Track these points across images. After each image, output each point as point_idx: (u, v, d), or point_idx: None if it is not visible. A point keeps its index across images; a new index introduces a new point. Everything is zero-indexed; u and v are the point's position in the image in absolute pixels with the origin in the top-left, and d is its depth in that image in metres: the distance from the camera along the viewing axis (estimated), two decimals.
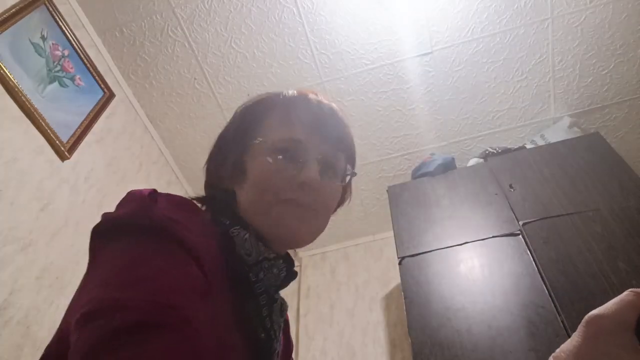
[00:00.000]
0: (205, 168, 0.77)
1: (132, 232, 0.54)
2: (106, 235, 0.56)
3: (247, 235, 0.65)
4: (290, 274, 0.70)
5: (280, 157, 0.67)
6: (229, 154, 0.72)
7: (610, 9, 2.17)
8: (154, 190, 0.60)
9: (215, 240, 0.61)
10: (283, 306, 0.70)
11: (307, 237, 0.69)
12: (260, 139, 0.68)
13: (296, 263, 3.00)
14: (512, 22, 2.22)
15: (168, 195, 0.61)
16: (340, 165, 0.73)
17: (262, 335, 0.63)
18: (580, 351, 0.42)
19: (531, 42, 2.27)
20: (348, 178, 0.75)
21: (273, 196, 0.66)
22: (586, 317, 0.43)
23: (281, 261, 0.68)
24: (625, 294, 0.43)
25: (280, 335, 0.70)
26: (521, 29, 2.24)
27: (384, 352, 2.42)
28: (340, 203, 0.79)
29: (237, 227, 0.65)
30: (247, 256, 0.64)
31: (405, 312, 1.57)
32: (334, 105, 0.78)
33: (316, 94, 0.77)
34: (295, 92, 0.76)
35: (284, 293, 0.71)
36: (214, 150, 0.77)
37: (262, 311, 0.64)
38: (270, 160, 0.67)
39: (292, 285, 2.67)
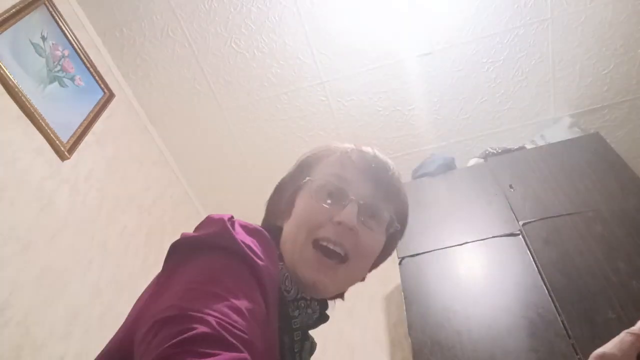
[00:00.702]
0: (265, 207, 0.81)
1: (212, 251, 0.58)
2: (185, 251, 0.60)
3: (287, 273, 0.68)
4: (322, 317, 0.73)
5: (324, 196, 0.69)
6: (285, 192, 0.76)
7: (610, 9, 2.16)
8: (232, 216, 0.64)
9: (278, 271, 0.65)
10: (313, 345, 0.73)
11: (331, 287, 0.70)
12: (309, 178, 0.71)
13: None
14: (512, 22, 2.22)
15: (244, 222, 0.65)
16: (384, 216, 0.72)
17: None
18: None
19: (531, 42, 2.27)
20: (392, 231, 0.73)
21: (307, 234, 0.68)
22: (594, 355, 0.48)
23: (316, 303, 0.70)
24: (623, 335, 0.48)
25: None
26: (521, 29, 2.24)
27: (383, 352, 2.42)
28: (378, 261, 0.79)
29: (281, 264, 0.68)
30: (286, 292, 0.66)
31: (405, 312, 1.57)
32: (389, 160, 0.79)
33: (373, 148, 0.78)
34: (354, 145, 0.78)
35: None
36: (274, 191, 0.80)
37: (295, 346, 0.67)
38: (313, 198, 0.69)
39: None
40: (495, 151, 2.28)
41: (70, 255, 1.75)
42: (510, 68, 2.35)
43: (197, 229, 0.64)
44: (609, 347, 0.47)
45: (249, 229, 0.64)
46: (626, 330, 0.48)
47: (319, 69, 2.36)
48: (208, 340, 0.47)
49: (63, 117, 1.90)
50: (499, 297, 1.49)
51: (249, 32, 2.26)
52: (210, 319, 0.49)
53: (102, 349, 0.64)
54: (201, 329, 0.47)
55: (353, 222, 0.66)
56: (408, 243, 1.82)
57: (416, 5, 2.18)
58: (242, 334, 0.50)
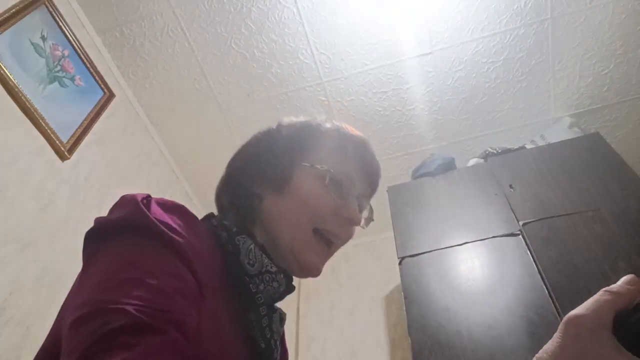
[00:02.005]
0: (237, 163, 0.77)
1: (125, 235, 0.55)
2: (99, 238, 0.57)
3: (252, 246, 0.66)
4: (288, 288, 0.71)
5: (333, 187, 0.70)
6: (277, 159, 0.72)
7: (610, 9, 2.17)
8: (148, 195, 0.60)
9: (208, 245, 0.61)
10: (282, 316, 0.71)
11: (320, 271, 0.72)
12: (323, 166, 0.70)
13: None
14: (512, 22, 2.22)
15: (160, 199, 0.61)
16: (367, 209, 0.78)
17: (263, 345, 0.64)
18: (562, 351, 0.43)
19: (531, 42, 2.27)
20: (368, 223, 0.78)
21: (310, 220, 0.68)
22: (565, 317, 0.44)
23: (282, 275, 0.68)
24: (601, 294, 0.45)
25: (279, 343, 0.71)
26: (521, 29, 2.24)
27: (384, 352, 2.42)
28: None
29: (244, 236, 0.66)
30: (249, 266, 0.65)
31: (405, 312, 1.57)
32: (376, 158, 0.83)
33: (368, 141, 0.82)
34: (351, 131, 0.80)
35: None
36: (260, 150, 0.75)
37: (263, 321, 0.65)
38: (323, 187, 0.69)
39: None
40: (495, 151, 2.28)
41: (70, 255, 1.75)
42: (510, 68, 2.35)
43: (110, 211, 0.60)
44: (582, 307, 0.44)
45: (166, 206, 0.60)
46: (604, 288, 0.45)
47: (319, 69, 2.36)
48: (128, 331, 0.45)
49: (63, 117, 1.90)
50: (499, 297, 1.49)
51: (249, 32, 2.26)
52: (128, 307, 0.47)
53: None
54: (119, 320, 0.46)
55: (360, 221, 0.71)
56: (408, 243, 1.82)
57: (416, 6, 2.18)
58: (167, 314, 0.48)
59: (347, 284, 2.81)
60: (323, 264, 0.72)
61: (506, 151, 2.26)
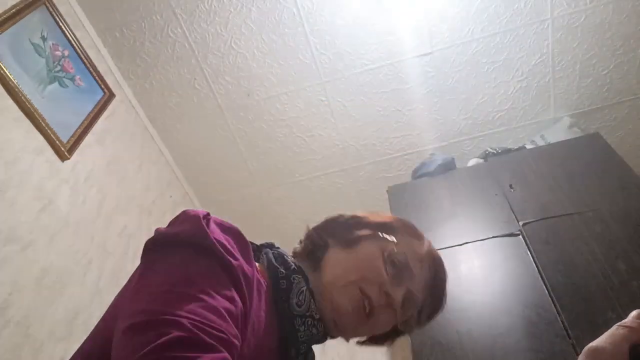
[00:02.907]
0: (325, 224, 0.80)
1: (185, 250, 0.57)
2: (159, 248, 0.59)
3: (304, 288, 0.68)
4: (323, 338, 0.74)
5: (390, 263, 0.71)
6: (358, 226, 0.77)
7: (610, 9, 2.17)
8: (208, 213, 0.63)
9: (256, 272, 0.64)
10: (314, 357, 0.75)
11: (348, 332, 0.75)
12: (392, 238, 0.73)
13: None
14: (512, 22, 2.22)
15: (219, 220, 0.64)
16: (412, 317, 0.77)
17: None
18: None
19: (531, 42, 2.27)
20: (404, 326, 0.78)
21: (358, 278, 0.69)
22: (586, 349, 0.49)
23: (322, 325, 0.70)
24: (615, 328, 0.49)
25: None
26: (521, 29, 2.24)
27: (384, 353, 2.42)
28: (374, 340, 0.84)
29: (299, 276, 0.68)
30: (297, 306, 0.67)
31: None
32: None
33: (445, 272, 0.83)
34: (435, 254, 0.81)
35: None
36: (346, 217, 0.80)
37: (299, 358, 0.68)
38: (382, 257, 0.71)
39: None
40: (495, 151, 2.28)
41: (70, 255, 1.75)
42: (510, 68, 2.35)
43: (172, 224, 0.63)
44: (600, 341, 0.48)
45: (224, 227, 0.63)
46: (618, 324, 0.49)
47: (319, 69, 2.36)
48: (183, 344, 0.46)
49: (63, 117, 1.90)
50: (499, 297, 1.49)
51: (249, 32, 2.26)
52: (183, 321, 0.48)
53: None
54: (175, 333, 0.46)
55: (397, 305, 0.71)
56: None
57: (416, 6, 2.18)
58: (219, 334, 0.49)
59: None
60: (356, 327, 0.73)
61: (506, 151, 2.26)
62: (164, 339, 0.46)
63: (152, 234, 0.61)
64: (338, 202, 2.80)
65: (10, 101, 1.68)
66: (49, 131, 1.79)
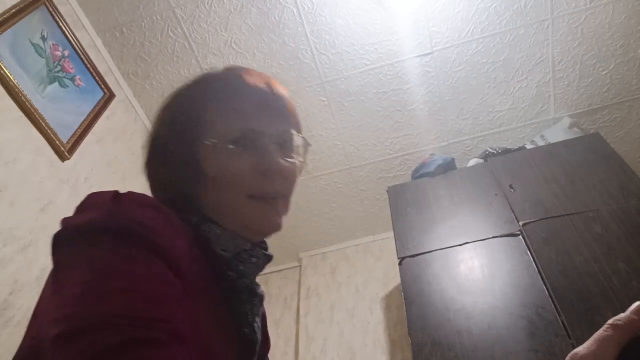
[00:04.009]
0: (146, 172, 0.73)
1: (99, 240, 0.50)
2: (70, 243, 0.52)
3: (219, 231, 0.63)
4: (267, 257, 0.69)
5: (237, 150, 0.64)
6: (173, 155, 0.68)
7: (610, 9, 2.17)
8: (117, 192, 0.56)
9: (187, 239, 0.58)
10: (262, 296, 0.70)
11: (282, 225, 0.69)
12: (213, 141, 0.64)
13: (296, 263, 3.01)
14: (512, 22, 2.22)
15: (132, 195, 0.57)
16: (295, 141, 0.71)
17: (246, 330, 0.64)
18: None
19: (531, 42, 2.27)
20: (306, 152, 0.73)
21: (243, 194, 0.65)
22: (568, 356, 0.45)
23: (257, 248, 0.67)
24: (604, 329, 0.45)
25: (260, 324, 0.70)
26: (521, 29, 2.24)
27: (384, 353, 2.42)
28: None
29: (208, 224, 0.63)
30: (223, 252, 0.63)
31: (405, 312, 1.57)
32: (269, 78, 0.74)
33: (247, 71, 0.72)
34: (224, 73, 0.71)
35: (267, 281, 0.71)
36: (153, 154, 0.72)
37: (245, 307, 0.64)
38: (227, 156, 0.64)
39: (292, 285, 2.66)
40: (495, 151, 2.28)
41: None
42: (510, 68, 2.35)
43: (79, 211, 0.56)
44: (586, 346, 0.46)
45: (139, 203, 0.56)
46: (609, 322, 0.46)
47: (319, 69, 2.36)
48: (131, 347, 0.42)
49: (63, 117, 1.90)
50: (499, 297, 1.49)
51: (249, 33, 2.26)
52: (117, 320, 0.43)
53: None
54: (119, 336, 0.42)
55: (280, 165, 0.65)
56: (408, 243, 1.82)
57: (416, 6, 2.18)
58: (163, 324, 0.45)
59: (347, 284, 2.81)
60: (279, 216, 0.68)
61: (506, 151, 2.26)
62: (98, 346, 0.41)
63: None
64: (338, 202, 2.80)
65: (10, 101, 1.68)
66: (49, 131, 1.79)
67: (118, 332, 0.42)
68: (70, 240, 0.52)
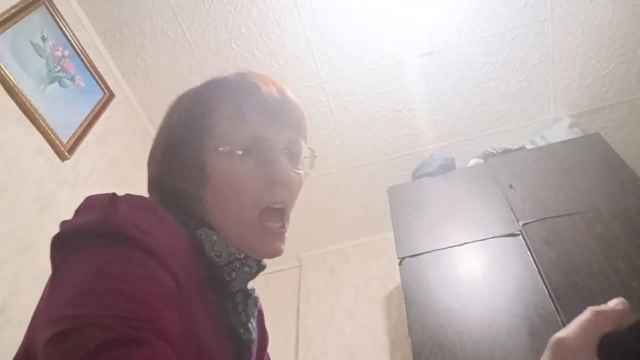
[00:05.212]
0: (149, 169, 0.74)
1: (96, 242, 0.51)
2: (68, 244, 0.54)
3: (215, 237, 0.63)
4: (259, 267, 0.69)
5: (246, 157, 0.64)
6: (179, 156, 0.68)
7: (611, 9, 2.17)
8: (114, 195, 0.57)
9: (183, 241, 0.59)
10: (256, 299, 0.70)
11: (283, 250, 0.69)
12: (226, 148, 0.64)
13: (296, 263, 3.01)
14: (512, 22, 2.22)
15: (128, 197, 0.58)
16: (303, 152, 0.71)
17: (241, 330, 0.64)
18: None
19: (531, 42, 2.27)
20: (312, 164, 0.73)
21: (251, 209, 0.64)
22: (551, 340, 0.45)
23: (251, 259, 0.67)
24: (585, 314, 0.45)
25: (255, 324, 0.71)
26: (521, 29, 2.24)
27: (384, 353, 2.42)
28: None
29: (204, 229, 0.63)
30: (217, 258, 0.63)
31: (405, 313, 1.57)
32: (282, 86, 0.74)
33: (261, 78, 0.73)
34: (237, 78, 0.72)
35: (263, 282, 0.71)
36: (158, 153, 0.73)
37: (239, 308, 0.65)
38: (235, 163, 0.64)
39: (292, 286, 2.66)
40: (495, 151, 2.28)
41: None
42: (510, 68, 2.35)
43: (76, 214, 0.57)
44: (567, 329, 0.45)
45: (135, 206, 0.57)
46: (590, 308, 0.46)
47: (319, 69, 2.36)
48: (111, 347, 0.42)
49: (63, 117, 1.90)
50: (499, 297, 1.49)
51: (249, 33, 2.26)
52: (108, 321, 0.44)
53: None
54: (100, 338, 0.42)
55: (294, 174, 0.66)
56: (408, 243, 1.82)
57: (416, 6, 2.18)
58: (150, 324, 0.46)
59: (347, 284, 2.81)
60: (282, 242, 0.68)
61: (506, 151, 2.26)
62: (88, 346, 0.42)
63: None
64: (338, 202, 2.80)
65: (10, 101, 1.68)
66: (49, 131, 1.79)
67: (107, 332, 0.43)
68: (67, 243, 0.54)
